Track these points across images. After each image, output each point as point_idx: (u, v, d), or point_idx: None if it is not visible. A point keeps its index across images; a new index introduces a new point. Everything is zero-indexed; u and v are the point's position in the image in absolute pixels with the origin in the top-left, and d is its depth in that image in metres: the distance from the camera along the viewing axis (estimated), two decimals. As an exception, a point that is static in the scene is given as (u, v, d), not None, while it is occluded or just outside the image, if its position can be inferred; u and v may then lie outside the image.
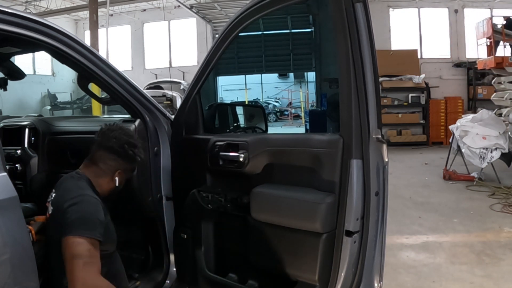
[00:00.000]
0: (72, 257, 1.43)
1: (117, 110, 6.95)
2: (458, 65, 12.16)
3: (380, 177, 1.54)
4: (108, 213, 1.66)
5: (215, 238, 2.04)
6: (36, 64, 14.12)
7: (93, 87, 2.06)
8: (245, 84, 20.11)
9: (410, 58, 11.62)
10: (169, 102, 11.35)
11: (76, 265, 1.42)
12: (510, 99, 7.71)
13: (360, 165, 1.53)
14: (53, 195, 1.68)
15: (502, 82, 8.08)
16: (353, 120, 1.53)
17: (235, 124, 2.72)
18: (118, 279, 1.71)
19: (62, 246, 1.46)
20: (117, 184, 1.73)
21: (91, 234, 1.48)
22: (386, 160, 1.55)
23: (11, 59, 2.21)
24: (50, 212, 1.65)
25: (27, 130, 2.47)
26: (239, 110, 2.92)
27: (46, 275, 1.62)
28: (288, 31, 14.58)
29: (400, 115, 11.12)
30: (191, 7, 13.84)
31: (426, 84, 11.39)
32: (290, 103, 23.70)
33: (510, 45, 8.47)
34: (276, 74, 24.25)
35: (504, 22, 8.56)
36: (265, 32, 14.40)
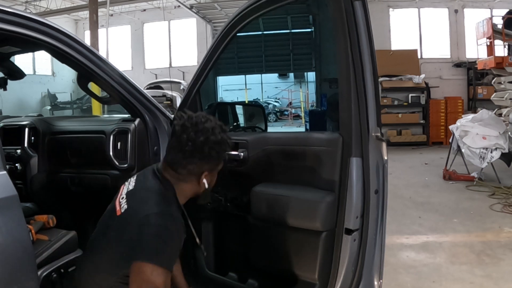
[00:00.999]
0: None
1: (117, 109, 6.97)
2: (458, 65, 12.17)
3: (379, 175, 1.54)
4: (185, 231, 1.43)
5: (215, 237, 2.04)
6: (36, 64, 14.12)
7: (93, 87, 2.06)
8: (245, 84, 20.11)
9: (410, 58, 11.62)
10: (169, 102, 11.36)
11: None
12: (510, 99, 7.73)
13: (360, 163, 1.54)
14: (132, 186, 1.45)
15: (502, 82, 8.08)
16: (353, 118, 1.53)
17: (235, 124, 2.72)
18: None
19: (133, 268, 1.26)
20: (206, 186, 1.46)
21: (170, 266, 1.29)
22: (386, 158, 1.56)
23: (11, 59, 2.21)
24: (122, 210, 1.40)
25: (27, 129, 2.46)
26: (239, 109, 2.92)
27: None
28: (288, 31, 14.58)
29: (400, 115, 11.11)
30: (191, 7, 13.84)
31: (426, 84, 11.39)
32: (290, 103, 23.69)
33: (510, 45, 8.47)
34: (276, 74, 24.24)
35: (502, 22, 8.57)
36: (265, 32, 14.40)
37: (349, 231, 1.56)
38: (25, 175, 2.38)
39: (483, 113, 6.44)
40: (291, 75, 25.04)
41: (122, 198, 1.44)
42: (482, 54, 9.42)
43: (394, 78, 11.00)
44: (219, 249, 2.05)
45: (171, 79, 12.95)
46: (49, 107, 13.73)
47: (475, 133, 6.13)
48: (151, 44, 15.88)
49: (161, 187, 1.40)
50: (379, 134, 1.54)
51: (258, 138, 1.93)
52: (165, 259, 1.27)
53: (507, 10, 9.22)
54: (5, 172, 1.26)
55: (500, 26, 8.59)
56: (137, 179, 1.49)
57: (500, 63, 8.14)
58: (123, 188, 1.50)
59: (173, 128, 1.42)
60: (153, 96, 2.18)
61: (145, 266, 1.24)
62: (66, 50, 1.68)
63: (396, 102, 11.17)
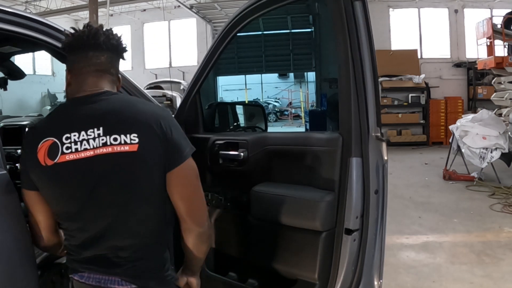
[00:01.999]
0: (199, 184, 1.25)
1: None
2: (458, 65, 12.17)
3: (379, 175, 1.54)
4: None
5: (215, 237, 2.04)
6: (36, 64, 14.12)
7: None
8: (245, 84, 20.12)
9: (410, 58, 11.63)
10: (169, 102, 11.36)
11: (202, 193, 1.27)
12: (510, 99, 7.73)
13: (360, 163, 1.54)
14: (103, 128, 1.16)
15: (502, 82, 8.09)
16: (353, 118, 1.53)
17: (235, 124, 2.72)
18: None
19: (182, 170, 1.20)
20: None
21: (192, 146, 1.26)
22: (386, 158, 1.56)
23: (11, 59, 2.22)
24: (127, 145, 1.15)
25: (27, 129, 2.46)
26: (239, 109, 2.92)
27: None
28: (288, 31, 14.59)
29: (400, 115, 11.13)
30: (191, 7, 13.85)
31: (426, 84, 11.40)
32: (290, 103, 23.71)
33: (510, 45, 8.48)
34: (276, 74, 24.25)
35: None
36: (265, 32, 14.40)
37: (349, 231, 1.55)
38: (25, 175, 2.38)
39: (483, 113, 6.45)
40: (291, 75, 25.04)
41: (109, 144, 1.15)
42: (482, 54, 9.43)
43: (394, 78, 11.02)
44: (219, 249, 2.05)
45: (171, 79, 12.96)
46: (49, 107, 13.71)
47: (475, 133, 6.13)
48: (151, 44, 15.88)
49: (126, 95, 1.34)
50: (379, 134, 1.54)
51: (258, 138, 1.93)
52: (192, 147, 1.26)
53: (508, 10, 9.22)
54: (5, 171, 1.27)
55: (500, 26, 8.60)
56: (96, 122, 1.17)
57: (500, 63, 8.15)
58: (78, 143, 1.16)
59: (86, 32, 1.24)
60: (153, 96, 2.18)
61: (190, 161, 1.23)
62: (67, 50, 1.68)
63: (396, 102, 11.18)
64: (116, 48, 1.28)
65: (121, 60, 1.33)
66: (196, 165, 1.25)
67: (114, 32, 1.29)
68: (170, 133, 1.18)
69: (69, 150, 1.15)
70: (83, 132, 1.16)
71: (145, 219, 1.21)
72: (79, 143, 1.15)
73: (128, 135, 1.14)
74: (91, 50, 1.24)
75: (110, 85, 1.28)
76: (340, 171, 1.59)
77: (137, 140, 1.14)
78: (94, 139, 1.15)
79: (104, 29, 1.26)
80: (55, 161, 1.15)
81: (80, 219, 1.20)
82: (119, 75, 1.35)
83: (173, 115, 1.31)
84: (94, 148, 1.14)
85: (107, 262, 1.21)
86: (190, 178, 1.24)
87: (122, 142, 1.14)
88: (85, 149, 1.15)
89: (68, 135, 1.16)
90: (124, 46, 1.30)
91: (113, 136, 1.15)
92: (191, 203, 1.24)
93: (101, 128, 1.15)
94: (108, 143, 1.14)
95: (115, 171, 1.15)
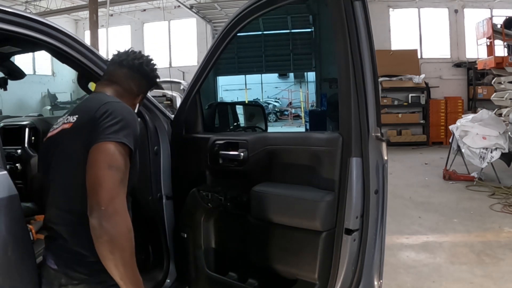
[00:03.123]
0: (108, 166, 1.16)
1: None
2: (458, 65, 12.18)
3: (379, 175, 1.54)
4: None
5: (215, 237, 2.04)
6: (36, 64, 14.11)
7: (93, 87, 2.06)
8: (245, 84, 20.12)
9: (410, 58, 11.63)
10: (169, 102, 11.36)
11: (110, 176, 1.15)
12: (510, 99, 7.73)
13: (360, 163, 1.54)
14: (72, 112, 1.37)
15: (502, 82, 8.09)
16: (352, 118, 1.53)
17: (235, 124, 2.72)
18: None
19: (92, 153, 1.19)
20: (135, 110, 1.49)
21: (130, 143, 1.23)
22: (386, 158, 1.56)
23: (11, 59, 2.21)
24: (69, 123, 1.32)
25: (27, 129, 2.47)
26: (239, 109, 2.92)
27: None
28: (288, 31, 14.59)
29: (400, 115, 11.13)
30: (191, 7, 13.85)
31: (426, 84, 11.40)
32: (290, 103, 23.71)
33: (510, 45, 8.48)
34: (276, 74, 24.26)
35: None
36: (265, 32, 14.41)
37: (349, 231, 1.55)
38: (25, 175, 2.39)
39: (483, 113, 6.45)
40: (291, 75, 25.05)
41: (62, 123, 1.36)
42: (482, 54, 9.44)
43: (394, 78, 11.02)
44: (219, 249, 2.05)
45: (171, 79, 12.96)
46: (49, 107, 13.72)
47: (475, 133, 6.13)
48: (151, 44, 15.87)
49: (105, 95, 1.39)
50: (379, 134, 1.54)
51: (258, 138, 1.93)
52: (126, 136, 1.23)
53: (508, 10, 9.22)
54: (5, 172, 1.27)
55: (500, 26, 8.60)
56: (73, 111, 1.38)
57: (500, 63, 8.15)
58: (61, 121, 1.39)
59: (120, 53, 1.51)
60: (153, 96, 2.18)
61: (107, 144, 1.19)
62: (66, 50, 1.68)
63: (396, 102, 11.18)
64: (136, 67, 1.48)
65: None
66: (117, 155, 1.19)
67: (146, 57, 1.52)
68: (102, 118, 1.24)
69: (51, 129, 1.40)
70: (65, 116, 1.38)
71: (73, 195, 1.24)
72: (56, 124, 1.39)
73: (73, 116, 1.32)
74: (112, 65, 1.50)
75: (114, 93, 1.44)
76: (340, 171, 1.59)
77: (75, 119, 1.31)
78: (62, 121, 1.36)
79: (136, 52, 1.51)
80: (44, 139, 1.41)
81: (46, 194, 1.33)
82: (140, 95, 1.53)
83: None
84: (57, 128, 1.36)
85: (48, 238, 1.32)
86: (99, 160, 1.18)
87: (67, 121, 1.33)
88: (55, 128, 1.38)
89: (61, 119, 1.39)
90: (150, 71, 1.52)
91: (67, 118, 1.34)
92: (94, 182, 1.15)
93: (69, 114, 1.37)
94: (63, 123, 1.34)
95: (58, 145, 1.31)
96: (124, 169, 1.20)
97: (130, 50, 1.52)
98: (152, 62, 1.53)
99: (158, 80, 1.58)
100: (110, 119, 1.23)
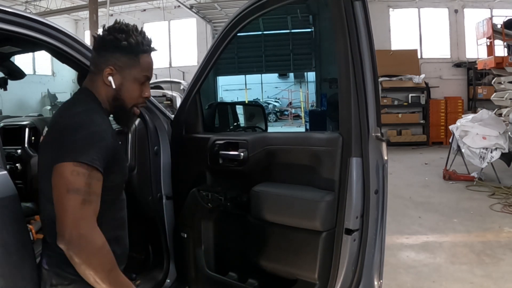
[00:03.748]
0: (66, 190, 1.11)
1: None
2: (458, 65, 12.17)
3: (379, 175, 1.54)
4: (117, 138, 1.37)
5: (215, 237, 2.04)
6: (36, 64, 14.12)
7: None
8: (245, 84, 20.12)
9: (410, 58, 11.63)
10: (169, 102, 11.37)
11: (70, 201, 1.11)
12: (510, 99, 7.73)
13: (360, 163, 1.54)
14: (50, 121, 1.36)
15: (502, 82, 8.09)
16: (352, 118, 1.53)
17: (235, 124, 2.72)
18: (121, 237, 1.36)
19: (52, 176, 1.15)
20: (113, 86, 1.29)
21: (92, 161, 1.14)
22: (386, 158, 1.56)
23: (11, 59, 2.22)
24: (43, 136, 1.36)
25: (27, 129, 2.47)
26: (239, 109, 2.92)
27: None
28: (288, 31, 14.60)
29: (400, 115, 11.13)
30: (191, 7, 13.84)
31: (426, 84, 11.40)
32: (290, 103, 23.71)
33: (510, 45, 8.48)
34: (276, 74, 24.26)
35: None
36: (265, 32, 14.41)
37: (349, 231, 1.55)
38: (25, 175, 2.39)
39: (483, 113, 6.45)
40: (291, 75, 25.06)
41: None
42: (482, 54, 9.43)
43: (394, 78, 11.02)
44: (219, 249, 2.05)
45: (171, 79, 12.96)
46: (49, 107, 13.72)
47: (475, 133, 6.13)
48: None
49: (76, 96, 1.33)
50: (379, 134, 1.54)
51: (258, 138, 1.93)
52: (86, 154, 1.14)
53: (508, 11, 9.22)
54: (5, 171, 1.27)
55: (500, 26, 8.60)
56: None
57: (500, 63, 8.15)
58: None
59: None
60: (153, 96, 2.18)
61: (63, 167, 1.12)
62: (66, 50, 1.68)
63: (396, 102, 11.18)
64: (105, 43, 1.27)
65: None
66: (74, 177, 1.12)
67: (115, 26, 1.28)
68: (63, 135, 1.19)
69: (45, 132, 1.45)
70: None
71: (50, 207, 1.19)
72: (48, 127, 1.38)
73: (47, 128, 1.35)
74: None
75: (90, 83, 1.32)
76: (340, 171, 1.59)
77: (45, 132, 1.34)
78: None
79: (105, 28, 1.31)
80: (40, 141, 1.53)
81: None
82: (108, 67, 1.28)
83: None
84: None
85: (43, 239, 1.32)
86: (58, 185, 1.14)
87: (44, 133, 1.38)
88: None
89: None
90: (111, 36, 1.26)
91: (46, 128, 1.39)
92: (56, 209, 1.14)
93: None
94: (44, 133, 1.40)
95: (40, 155, 1.32)
96: (86, 188, 1.13)
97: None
98: (124, 28, 1.27)
99: (126, 48, 1.27)
100: (68, 136, 1.17)
